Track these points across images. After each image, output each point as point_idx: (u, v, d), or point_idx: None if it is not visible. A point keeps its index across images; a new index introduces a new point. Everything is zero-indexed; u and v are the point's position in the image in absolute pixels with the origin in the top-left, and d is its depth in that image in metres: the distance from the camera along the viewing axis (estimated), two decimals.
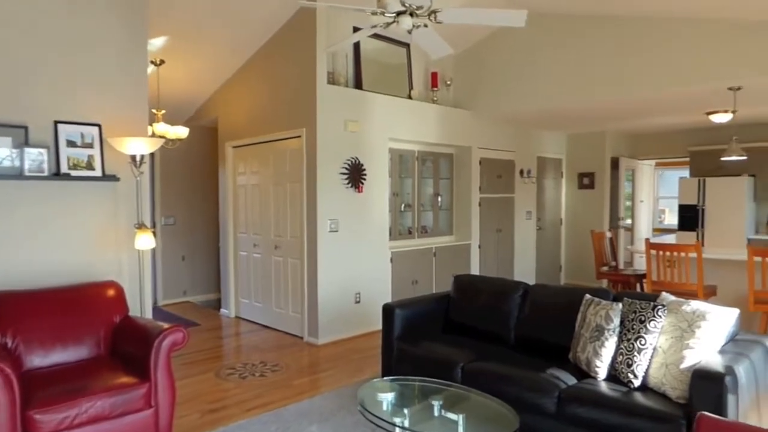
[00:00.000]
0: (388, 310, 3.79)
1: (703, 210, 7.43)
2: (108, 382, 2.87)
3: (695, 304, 2.80)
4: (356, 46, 5.74)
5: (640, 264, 9.21)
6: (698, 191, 7.46)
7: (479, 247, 7.12)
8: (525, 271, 7.93)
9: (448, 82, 6.76)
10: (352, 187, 5.49)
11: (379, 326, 5.79)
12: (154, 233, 7.11)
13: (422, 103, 6.30)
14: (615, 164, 8.47)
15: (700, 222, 7.46)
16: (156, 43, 5.28)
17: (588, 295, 3.29)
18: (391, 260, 5.95)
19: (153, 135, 5.43)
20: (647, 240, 4.78)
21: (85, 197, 3.75)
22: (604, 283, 8.25)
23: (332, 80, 5.43)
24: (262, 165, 6.02)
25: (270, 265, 5.93)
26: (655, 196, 10.29)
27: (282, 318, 5.78)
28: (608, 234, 6.07)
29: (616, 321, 2.95)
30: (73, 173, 3.59)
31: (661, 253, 4.65)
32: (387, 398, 2.80)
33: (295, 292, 5.58)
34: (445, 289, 6.74)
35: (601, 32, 5.53)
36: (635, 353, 2.81)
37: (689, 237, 7.57)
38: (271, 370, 4.50)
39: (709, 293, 4.68)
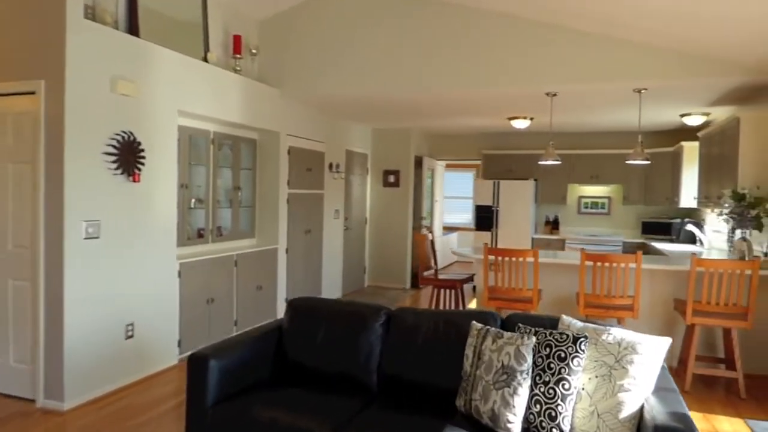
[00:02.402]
0: (198, 363, 2.47)
1: (497, 211, 7.71)
2: None
3: (617, 333, 2.28)
4: None
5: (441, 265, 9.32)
6: (493, 193, 7.72)
7: (287, 251, 6.04)
8: (332, 276, 7.14)
9: (254, 51, 5.50)
10: (123, 174, 3.85)
11: (165, 364, 4.28)
12: None
13: (223, 70, 4.93)
14: (418, 163, 8.32)
15: (494, 222, 7.73)
16: None
17: (477, 324, 2.56)
18: (180, 274, 4.45)
19: None
20: (486, 245, 4.41)
21: None
22: (408, 285, 8.02)
23: (92, 16, 3.70)
24: None
25: None
26: (443, 196, 10.65)
27: None
28: (429, 236, 5.67)
29: (530, 360, 2.26)
30: None
31: (500, 258, 4.32)
32: None
33: (23, 330, 3.66)
34: (248, 308, 5.51)
35: (426, 19, 5.03)
36: (559, 400, 2.16)
37: (485, 237, 7.80)
38: None
39: (538, 298, 4.54)
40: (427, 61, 5.05)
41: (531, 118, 6.58)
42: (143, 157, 4.00)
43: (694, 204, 6.25)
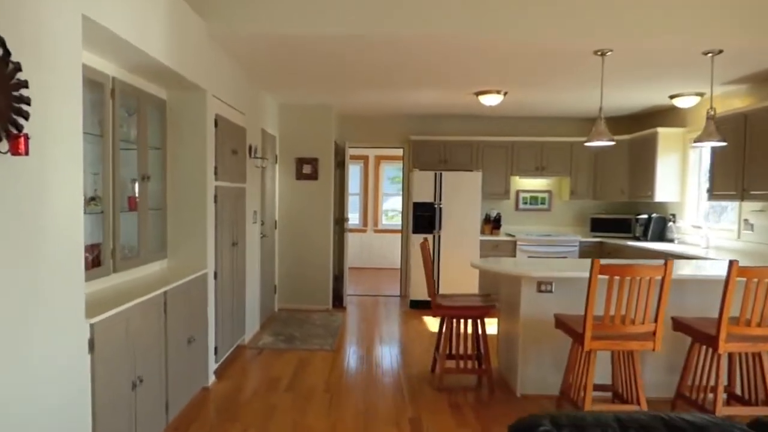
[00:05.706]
0: None
1: (440, 209, 6.54)
2: None
3: None
4: None
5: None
6: (435, 187, 6.53)
7: (215, 276, 3.94)
8: (252, 303, 5.11)
9: None
10: None
11: None
12: None
13: None
14: (338, 150, 6.67)
15: (438, 223, 6.54)
16: None
17: None
18: (92, 345, 2.23)
19: None
20: (596, 261, 3.12)
21: None
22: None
23: None
24: None
25: None
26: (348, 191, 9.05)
27: None
28: (428, 245, 4.21)
29: None
30: None
31: (617, 278, 3.05)
32: None
33: None
34: (180, 377, 3.16)
35: None
36: None
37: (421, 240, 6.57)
38: None
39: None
40: None
41: (505, 93, 5.51)
42: (26, 102, 1.78)
43: (686, 197, 5.82)
